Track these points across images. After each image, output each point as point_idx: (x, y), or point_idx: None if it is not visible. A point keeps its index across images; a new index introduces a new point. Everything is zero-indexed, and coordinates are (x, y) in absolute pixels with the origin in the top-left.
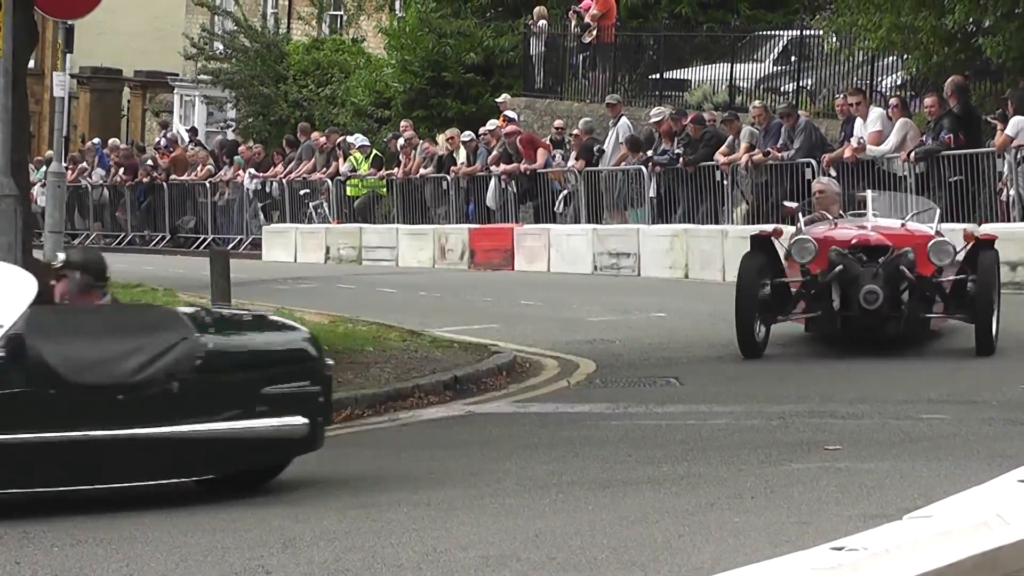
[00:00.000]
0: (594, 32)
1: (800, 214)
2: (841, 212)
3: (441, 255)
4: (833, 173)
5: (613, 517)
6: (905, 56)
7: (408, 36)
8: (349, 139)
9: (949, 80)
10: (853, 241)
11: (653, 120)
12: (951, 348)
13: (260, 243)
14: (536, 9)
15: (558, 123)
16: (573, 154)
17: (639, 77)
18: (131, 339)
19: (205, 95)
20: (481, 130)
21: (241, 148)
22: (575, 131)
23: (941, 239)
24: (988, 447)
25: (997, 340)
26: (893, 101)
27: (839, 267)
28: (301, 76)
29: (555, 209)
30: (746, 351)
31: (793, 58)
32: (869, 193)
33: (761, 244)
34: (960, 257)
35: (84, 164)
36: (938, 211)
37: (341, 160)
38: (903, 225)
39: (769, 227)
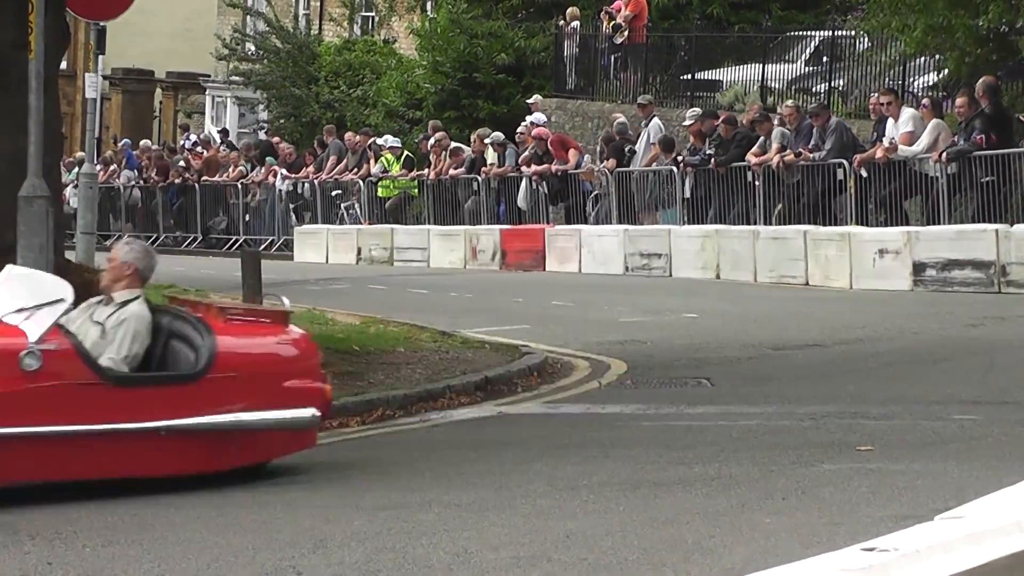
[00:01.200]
0: (625, 33)
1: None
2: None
3: (472, 256)
4: (864, 174)
5: (644, 518)
6: (938, 57)
7: (439, 37)
8: (379, 141)
9: (980, 80)
10: None
11: (686, 123)
12: (982, 350)
13: (292, 244)
14: (569, 10)
15: (620, 119)
16: (603, 154)
17: (670, 78)
18: None
19: (237, 96)
20: (519, 130)
21: (282, 145)
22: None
23: None
24: (1020, 448)
25: None
26: (925, 101)
27: None
28: (332, 77)
29: (587, 211)
30: None
31: (825, 59)
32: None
33: None
34: None
35: (114, 166)
36: (64, 305)
37: (372, 161)
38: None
39: None
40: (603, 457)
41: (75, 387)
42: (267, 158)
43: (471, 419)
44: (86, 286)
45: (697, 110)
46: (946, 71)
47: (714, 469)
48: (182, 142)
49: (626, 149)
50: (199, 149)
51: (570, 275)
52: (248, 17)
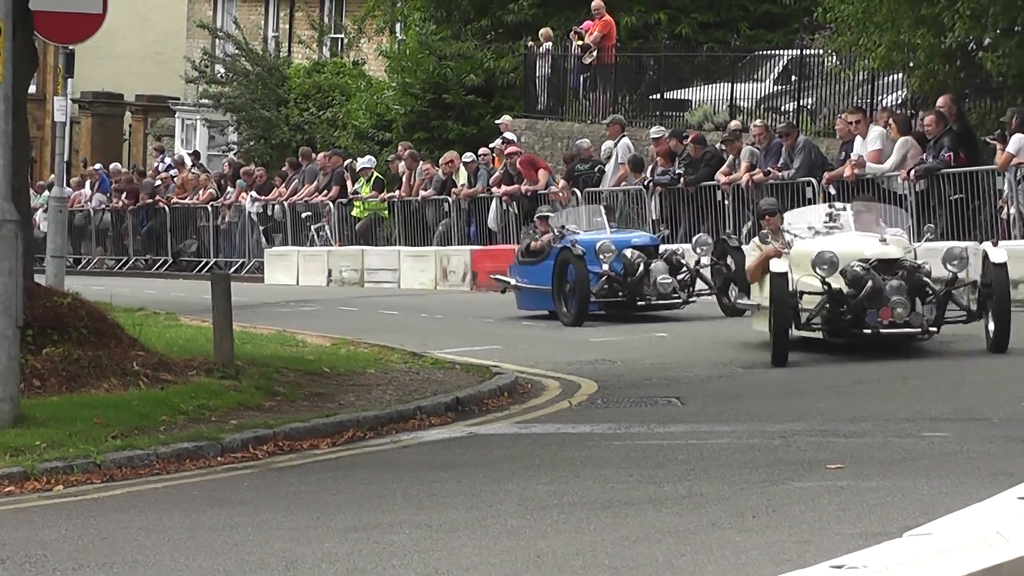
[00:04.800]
0: (595, 53)
1: None
2: None
3: (443, 277)
4: (833, 191)
5: (615, 537)
6: (905, 75)
7: (408, 59)
8: (361, 160)
9: (945, 96)
10: None
11: (652, 135)
12: (952, 367)
13: (262, 266)
14: (542, 30)
15: (579, 142)
16: (559, 176)
17: (640, 98)
18: None
19: (207, 119)
20: (481, 151)
21: (251, 167)
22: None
23: None
24: (990, 464)
25: None
26: (887, 118)
27: None
28: (302, 99)
29: None
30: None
31: (794, 77)
32: None
33: None
34: None
35: (85, 190)
36: None
37: (350, 182)
38: None
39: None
40: (574, 477)
41: None
42: (238, 181)
43: (442, 440)
44: (56, 310)
45: (662, 128)
46: (914, 88)
47: (684, 488)
48: (156, 164)
49: (595, 168)
50: (172, 172)
51: None
52: (217, 39)
